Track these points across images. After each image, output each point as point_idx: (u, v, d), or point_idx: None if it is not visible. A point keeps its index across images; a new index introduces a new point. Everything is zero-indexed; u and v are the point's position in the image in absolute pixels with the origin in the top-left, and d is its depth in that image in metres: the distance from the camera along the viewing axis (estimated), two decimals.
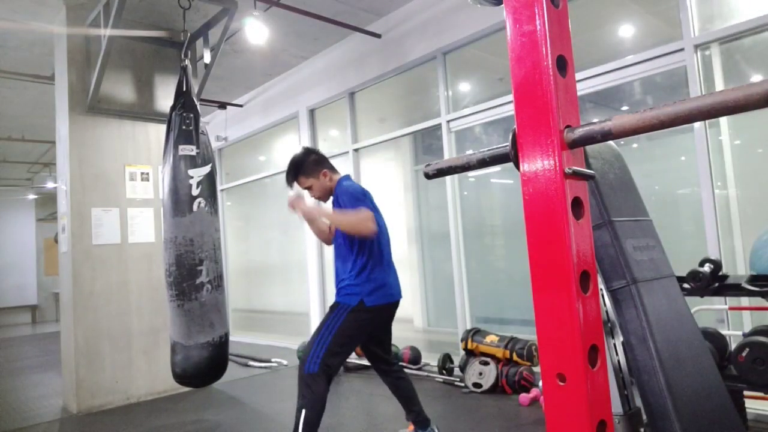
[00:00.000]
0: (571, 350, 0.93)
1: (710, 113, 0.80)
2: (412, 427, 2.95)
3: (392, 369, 2.91)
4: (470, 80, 5.03)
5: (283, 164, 7.14)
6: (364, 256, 2.69)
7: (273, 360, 5.57)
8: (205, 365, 3.32)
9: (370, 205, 2.69)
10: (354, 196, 2.67)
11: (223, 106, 7.58)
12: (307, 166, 2.81)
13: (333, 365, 2.55)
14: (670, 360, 1.52)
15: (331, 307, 2.69)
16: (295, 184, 2.86)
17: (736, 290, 2.37)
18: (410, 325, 5.70)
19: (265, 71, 6.55)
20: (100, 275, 4.34)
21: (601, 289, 1.60)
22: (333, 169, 2.88)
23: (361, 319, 2.62)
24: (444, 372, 4.44)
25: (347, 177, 2.89)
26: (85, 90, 4.39)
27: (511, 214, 4.76)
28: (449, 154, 4.87)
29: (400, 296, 2.82)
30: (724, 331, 2.69)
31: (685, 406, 1.48)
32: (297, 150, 2.92)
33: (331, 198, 2.84)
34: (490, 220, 5.04)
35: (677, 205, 3.78)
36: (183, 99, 3.52)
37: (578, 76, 3.69)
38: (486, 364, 4.05)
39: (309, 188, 2.83)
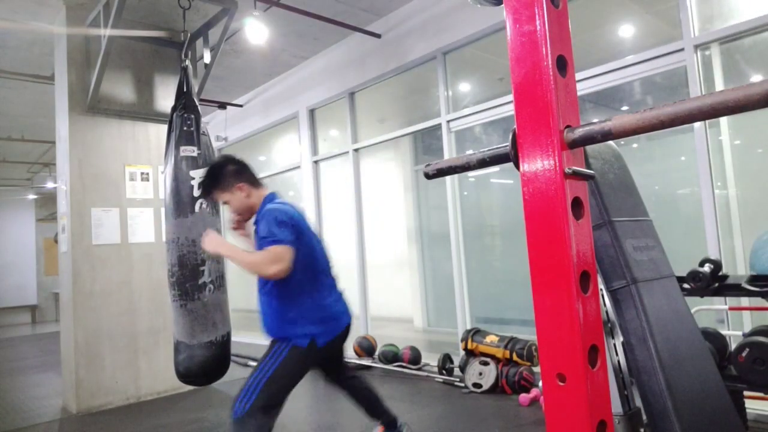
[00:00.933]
0: (571, 350, 0.93)
1: (710, 113, 0.80)
2: (382, 428, 2.76)
3: (348, 376, 2.66)
4: (470, 80, 5.03)
5: (283, 164, 7.17)
6: (303, 286, 2.31)
7: None
8: (208, 364, 3.33)
9: (290, 233, 2.25)
10: (274, 222, 2.25)
11: (223, 106, 7.58)
12: (223, 179, 2.43)
13: (267, 410, 2.20)
14: (670, 360, 1.52)
15: (271, 343, 2.32)
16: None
17: (736, 290, 2.37)
18: (410, 325, 5.70)
19: (265, 71, 6.55)
20: (100, 275, 4.34)
21: (601, 289, 1.60)
22: (255, 183, 2.48)
23: (308, 360, 2.30)
24: (444, 372, 4.44)
25: (273, 195, 2.49)
26: (85, 90, 4.39)
27: (511, 214, 4.76)
28: (449, 154, 4.87)
29: (349, 319, 2.47)
30: (724, 331, 2.69)
31: (685, 407, 1.48)
32: (217, 159, 2.61)
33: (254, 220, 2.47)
34: (490, 220, 5.04)
35: (677, 205, 3.78)
36: (184, 100, 3.52)
37: (578, 76, 3.68)
38: (486, 364, 4.05)
39: (226, 203, 2.47)
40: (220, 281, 3.44)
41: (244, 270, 2.24)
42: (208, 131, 3.69)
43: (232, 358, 5.77)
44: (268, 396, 2.20)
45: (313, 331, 2.29)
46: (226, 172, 2.44)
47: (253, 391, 2.19)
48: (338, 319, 2.41)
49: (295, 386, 2.33)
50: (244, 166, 2.51)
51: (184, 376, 3.36)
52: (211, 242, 2.34)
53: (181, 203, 3.35)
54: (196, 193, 3.38)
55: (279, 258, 2.17)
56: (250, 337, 7.33)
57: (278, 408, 2.26)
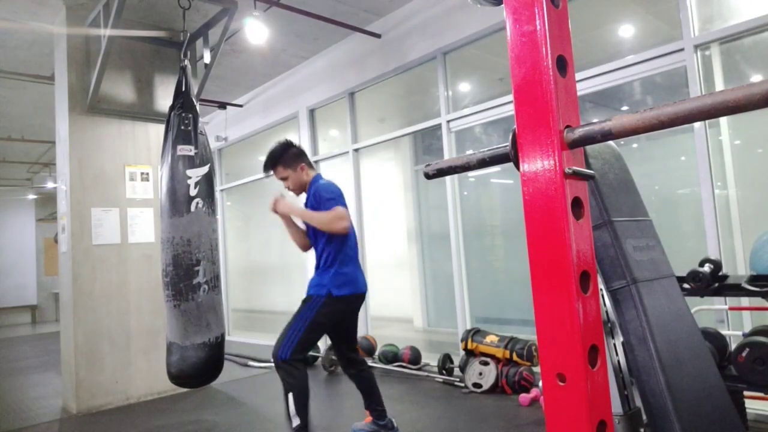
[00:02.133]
0: (571, 350, 0.93)
1: (710, 113, 0.80)
2: (369, 418, 3.09)
3: (358, 363, 3.07)
4: (470, 80, 5.03)
5: None
6: (332, 252, 2.86)
7: None
8: (201, 366, 3.31)
9: (344, 204, 2.86)
10: (332, 194, 2.84)
11: (223, 106, 7.57)
12: (287, 158, 2.97)
13: (304, 350, 2.77)
14: (670, 360, 1.52)
15: (304, 300, 2.87)
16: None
17: (736, 290, 2.37)
18: (410, 325, 5.70)
19: (265, 71, 6.55)
20: (100, 275, 4.34)
21: (601, 289, 1.60)
22: (310, 165, 3.05)
23: (329, 309, 2.82)
24: (444, 372, 4.44)
25: (320, 176, 3.05)
26: (85, 90, 4.39)
27: (511, 214, 4.76)
28: (449, 154, 4.87)
29: (365, 289, 3.00)
30: (724, 331, 2.69)
31: (685, 407, 1.48)
32: (278, 141, 3.08)
33: (304, 194, 3.04)
34: (490, 220, 5.04)
35: (677, 205, 3.78)
36: (182, 99, 3.52)
37: (578, 76, 3.68)
38: (486, 364, 4.05)
39: (284, 179, 2.99)
40: (214, 282, 3.43)
41: (318, 225, 2.80)
42: (206, 131, 3.69)
43: (233, 358, 5.78)
44: (306, 341, 2.74)
45: (331, 284, 2.81)
46: (291, 153, 2.99)
47: (294, 338, 2.71)
48: (355, 284, 2.90)
49: (324, 332, 2.94)
50: (303, 151, 3.06)
51: (176, 377, 3.34)
52: (282, 205, 2.91)
53: (176, 202, 3.34)
54: (193, 192, 3.38)
55: (343, 216, 2.76)
56: (250, 338, 7.33)
57: (311, 348, 2.87)
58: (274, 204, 2.93)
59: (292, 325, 2.78)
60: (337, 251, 2.87)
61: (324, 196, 2.83)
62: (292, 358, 2.69)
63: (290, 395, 2.66)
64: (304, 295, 2.93)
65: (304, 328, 2.75)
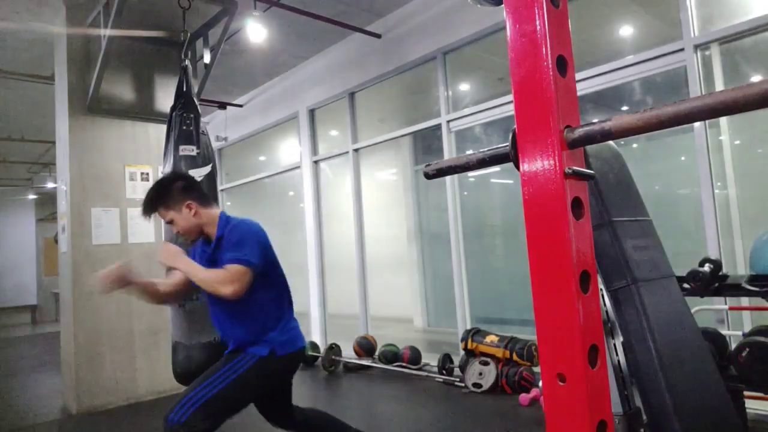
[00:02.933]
0: (571, 350, 0.93)
1: (710, 113, 0.80)
2: None
3: (297, 418, 2.46)
4: (470, 80, 5.03)
5: (283, 164, 7.17)
6: (278, 303, 2.28)
7: None
8: (206, 365, 3.31)
9: (259, 254, 2.16)
10: (246, 240, 2.17)
11: (223, 106, 7.57)
12: (170, 195, 2.25)
13: (205, 425, 2.00)
14: (670, 360, 1.52)
15: (229, 356, 2.20)
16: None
17: (736, 290, 2.37)
18: (410, 325, 5.70)
19: (265, 71, 6.55)
20: None
21: (601, 289, 1.60)
22: (205, 202, 2.32)
23: (267, 371, 2.17)
24: (444, 372, 4.44)
25: (225, 214, 2.37)
26: (85, 90, 4.39)
27: (511, 214, 4.76)
28: (449, 154, 4.87)
29: (304, 344, 2.35)
30: (724, 331, 2.70)
31: (685, 406, 1.48)
32: (164, 175, 2.50)
33: (209, 239, 2.32)
34: (490, 220, 5.04)
35: (677, 205, 3.78)
36: (183, 99, 3.52)
37: (578, 76, 3.68)
38: (486, 364, 4.05)
39: (171, 222, 2.28)
40: None
41: (200, 285, 2.10)
42: (208, 131, 3.69)
43: None
44: (218, 405, 2.05)
45: (276, 341, 2.18)
46: (174, 189, 2.27)
47: (196, 401, 2.01)
48: (296, 340, 2.28)
49: (248, 403, 2.22)
50: (193, 183, 2.37)
51: (182, 377, 3.35)
52: (167, 254, 2.17)
53: None
54: None
55: (237, 278, 2.03)
56: None
57: (219, 423, 2.09)
58: (163, 252, 2.21)
59: (200, 382, 2.08)
60: (283, 301, 2.29)
61: (231, 240, 2.17)
62: (189, 426, 1.95)
63: None
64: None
65: (216, 391, 2.04)
